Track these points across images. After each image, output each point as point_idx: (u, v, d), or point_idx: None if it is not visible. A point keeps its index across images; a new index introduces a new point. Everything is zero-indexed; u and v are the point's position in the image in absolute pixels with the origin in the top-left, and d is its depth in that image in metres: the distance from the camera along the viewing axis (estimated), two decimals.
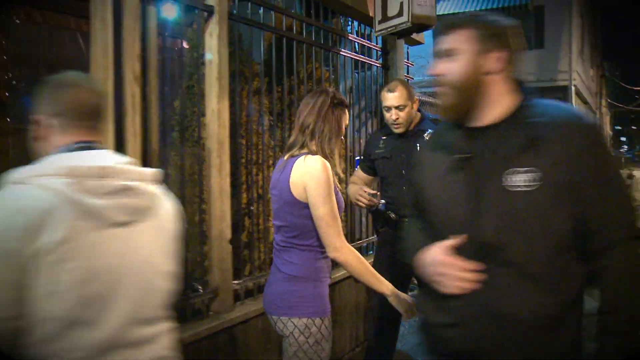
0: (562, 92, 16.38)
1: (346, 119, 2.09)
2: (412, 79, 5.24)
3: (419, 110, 3.16)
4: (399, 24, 3.74)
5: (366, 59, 4.38)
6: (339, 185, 2.03)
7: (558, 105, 1.37)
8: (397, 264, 2.92)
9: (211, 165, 2.78)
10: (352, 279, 3.94)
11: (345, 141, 4.28)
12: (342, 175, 2.10)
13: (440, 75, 1.40)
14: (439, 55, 1.40)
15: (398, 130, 3.01)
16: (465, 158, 1.36)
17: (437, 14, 3.87)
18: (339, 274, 3.81)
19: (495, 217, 1.28)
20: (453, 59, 1.37)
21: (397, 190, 3.07)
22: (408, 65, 5.11)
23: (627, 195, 1.30)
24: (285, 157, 2.06)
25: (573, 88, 16.46)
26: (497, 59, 1.35)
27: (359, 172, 3.39)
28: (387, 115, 3.06)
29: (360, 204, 3.04)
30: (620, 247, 1.26)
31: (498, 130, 1.35)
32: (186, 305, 2.67)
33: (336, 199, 1.96)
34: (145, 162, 2.36)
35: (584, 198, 1.25)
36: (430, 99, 6.38)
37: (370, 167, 3.29)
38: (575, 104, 16.83)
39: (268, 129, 3.64)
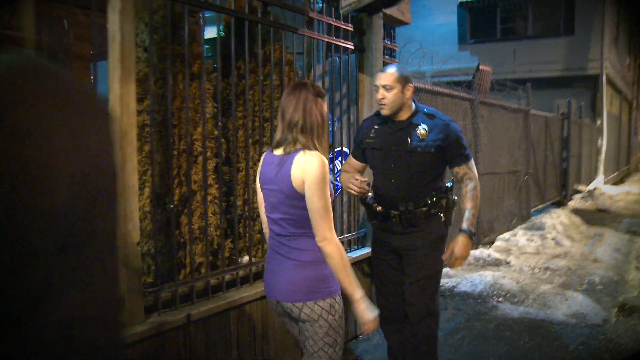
0: (592, 82, 15.53)
1: (326, 107, 2.14)
2: (396, 62, 4.78)
3: (414, 101, 2.98)
4: None
5: (332, 39, 3.96)
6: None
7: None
8: (390, 259, 3.03)
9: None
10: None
11: None
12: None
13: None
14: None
15: (383, 112, 2.88)
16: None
17: None
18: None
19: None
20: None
21: (386, 183, 2.96)
22: (391, 49, 4.66)
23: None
24: (278, 153, 2.13)
25: (604, 77, 15.55)
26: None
27: (350, 159, 3.26)
28: (375, 95, 2.95)
29: (352, 191, 2.93)
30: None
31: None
32: None
33: (331, 192, 2.09)
34: None
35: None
36: (439, 89, 5.91)
37: (362, 154, 3.15)
38: (606, 93, 15.91)
39: (212, 117, 3.28)
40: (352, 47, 4.13)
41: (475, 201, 2.89)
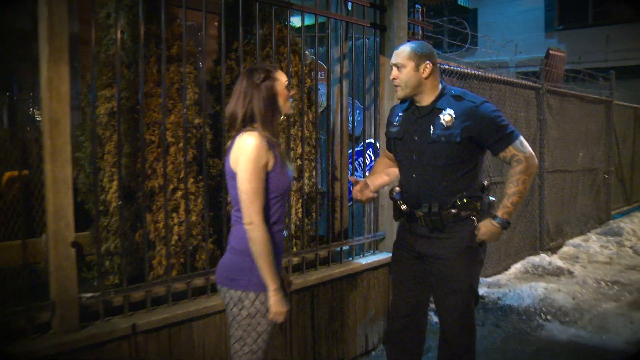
0: None
1: (280, 85, 2.07)
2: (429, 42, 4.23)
3: (442, 82, 2.54)
4: None
5: (341, 17, 3.51)
6: (288, 164, 2.10)
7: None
8: (413, 263, 2.63)
9: (45, 150, 2.17)
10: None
11: (307, 122, 3.46)
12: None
13: None
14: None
15: (397, 94, 2.55)
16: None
17: None
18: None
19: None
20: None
21: (408, 178, 2.58)
22: (423, 27, 4.13)
23: None
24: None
25: None
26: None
27: (383, 154, 2.93)
28: None
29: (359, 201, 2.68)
30: None
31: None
32: (9, 320, 2.15)
33: (279, 178, 2.03)
34: None
35: None
36: (494, 75, 5.28)
37: (390, 147, 2.78)
38: None
39: (193, 103, 2.96)
40: (369, 25, 3.65)
41: (519, 186, 2.39)
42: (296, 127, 3.36)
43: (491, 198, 2.50)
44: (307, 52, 3.51)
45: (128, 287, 2.49)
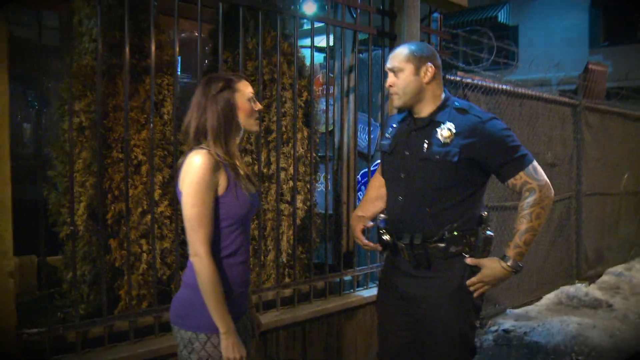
0: None
1: (241, 97, 1.80)
2: (447, 55, 3.89)
3: (445, 92, 2.16)
4: None
5: (341, 23, 3.21)
6: (246, 187, 1.79)
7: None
8: (398, 304, 2.18)
9: None
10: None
11: (305, 138, 3.15)
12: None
13: None
14: None
15: (394, 103, 2.12)
16: None
17: None
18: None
19: None
20: None
21: (392, 201, 2.17)
22: (440, 37, 3.80)
23: None
24: None
25: None
26: None
27: (376, 174, 2.43)
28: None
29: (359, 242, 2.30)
30: None
31: None
32: None
33: (233, 203, 1.76)
34: None
35: None
36: (523, 91, 4.88)
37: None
38: None
39: (174, 118, 2.71)
40: (376, 34, 3.34)
41: (533, 222, 1.98)
42: (290, 144, 3.06)
43: (489, 233, 2.09)
44: (313, 64, 3.21)
45: (82, 322, 2.23)
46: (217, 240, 1.76)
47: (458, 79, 4.10)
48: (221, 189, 1.73)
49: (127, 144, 2.40)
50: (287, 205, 3.07)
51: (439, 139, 2.02)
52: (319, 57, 5.47)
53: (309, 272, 3.07)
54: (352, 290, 3.29)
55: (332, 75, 3.71)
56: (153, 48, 2.48)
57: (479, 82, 4.36)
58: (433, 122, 2.07)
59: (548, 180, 2.03)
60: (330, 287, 3.18)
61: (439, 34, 3.79)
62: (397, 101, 2.11)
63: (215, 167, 1.70)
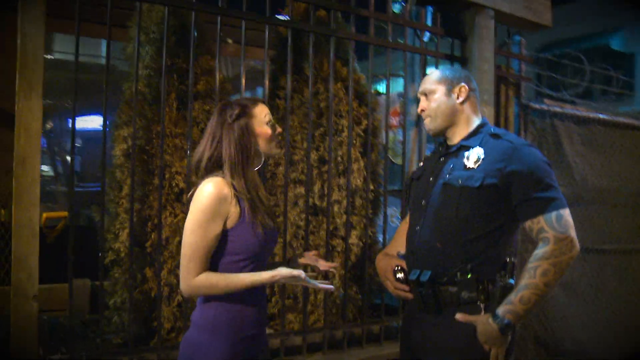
0: None
1: (257, 122, 1.69)
2: (527, 79, 3.55)
3: (483, 118, 1.92)
4: None
5: (412, 48, 3.00)
6: (262, 221, 1.63)
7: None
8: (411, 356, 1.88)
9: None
10: None
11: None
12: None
13: None
14: None
15: (428, 127, 1.91)
16: None
17: None
18: None
19: None
20: None
21: (411, 230, 1.89)
22: (523, 62, 3.47)
23: None
24: None
25: None
26: None
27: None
28: None
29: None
30: None
31: None
32: None
33: (247, 237, 1.61)
34: None
35: None
36: (600, 116, 4.35)
37: None
38: None
39: None
40: (443, 57, 3.10)
41: (537, 278, 1.62)
42: (346, 176, 2.86)
43: (511, 281, 1.72)
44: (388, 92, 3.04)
45: (106, 351, 2.15)
46: None
47: (545, 107, 3.71)
48: (232, 222, 1.59)
49: (161, 170, 2.34)
50: (340, 240, 2.86)
51: (463, 163, 1.78)
52: (399, 86, 5.27)
53: (362, 314, 2.82)
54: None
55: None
56: (191, 75, 2.42)
57: (570, 111, 3.92)
58: (463, 147, 1.83)
59: (573, 236, 1.67)
60: (387, 331, 2.90)
61: (519, 58, 3.46)
62: (429, 124, 1.89)
63: (226, 197, 1.58)
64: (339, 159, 2.89)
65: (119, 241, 2.52)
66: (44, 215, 3.21)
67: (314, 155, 2.87)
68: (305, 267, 1.85)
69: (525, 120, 3.58)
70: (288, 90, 2.62)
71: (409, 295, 1.82)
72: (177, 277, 2.46)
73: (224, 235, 1.59)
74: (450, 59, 3.13)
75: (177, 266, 2.46)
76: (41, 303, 2.82)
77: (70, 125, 2.96)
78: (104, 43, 3.28)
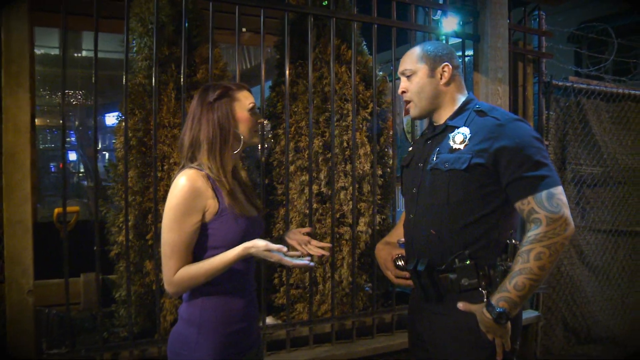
0: None
1: (240, 107, 1.62)
2: (548, 55, 3.37)
3: (469, 94, 1.81)
4: None
5: (417, 27, 2.87)
6: (242, 210, 1.58)
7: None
8: (420, 346, 1.80)
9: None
10: None
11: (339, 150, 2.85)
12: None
13: None
14: None
15: (411, 112, 1.81)
16: None
17: None
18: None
19: None
20: None
21: (406, 219, 1.82)
22: (540, 35, 3.30)
23: None
24: None
25: None
26: None
27: None
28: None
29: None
30: None
31: None
32: None
33: (229, 228, 1.55)
34: None
35: None
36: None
37: None
38: None
39: None
40: (454, 35, 2.96)
41: (531, 262, 1.50)
42: (356, 161, 2.78)
43: (512, 265, 1.59)
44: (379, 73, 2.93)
45: (106, 345, 2.15)
46: None
47: (568, 84, 3.52)
48: (210, 214, 1.54)
49: (155, 161, 2.31)
50: (348, 228, 2.78)
51: (449, 145, 1.67)
52: None
53: (373, 302, 2.74)
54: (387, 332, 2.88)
55: None
56: (183, 68, 2.37)
57: (598, 87, 3.71)
58: (448, 127, 1.73)
59: (567, 214, 1.53)
60: (399, 320, 2.81)
61: (538, 33, 3.28)
62: (413, 110, 1.78)
63: (200, 190, 1.52)
64: (345, 144, 2.81)
65: (123, 234, 2.50)
66: (56, 210, 3.24)
67: (319, 142, 2.79)
68: (289, 249, 1.78)
69: (547, 98, 3.41)
70: (286, 75, 2.54)
71: (411, 283, 1.75)
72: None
73: (204, 229, 1.54)
74: (462, 36, 2.99)
75: None
76: (53, 297, 2.87)
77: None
78: (114, 38, 3.27)
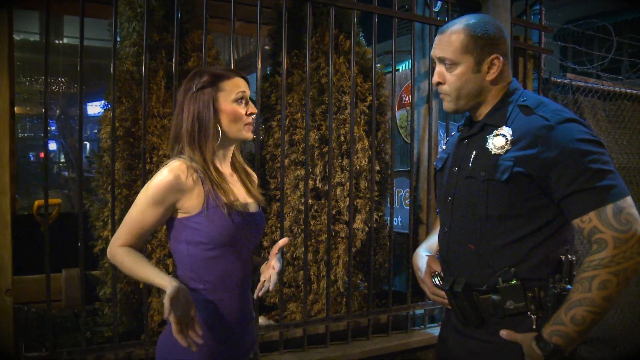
0: None
1: (225, 97, 1.48)
2: (548, 28, 3.30)
3: (514, 81, 1.50)
4: None
5: (418, 17, 2.77)
6: (232, 205, 1.46)
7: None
8: None
9: None
10: None
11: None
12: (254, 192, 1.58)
13: None
14: None
15: (446, 107, 1.51)
16: None
17: None
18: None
19: None
20: None
21: (441, 232, 1.57)
22: (541, 30, 3.22)
23: None
24: None
25: None
26: None
27: None
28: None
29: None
30: None
31: None
32: None
33: (217, 223, 1.44)
34: None
35: None
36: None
37: None
38: None
39: None
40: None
41: (593, 293, 1.24)
42: (354, 156, 2.68)
43: (569, 287, 1.34)
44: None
45: (89, 348, 2.02)
46: (197, 269, 1.46)
47: (567, 81, 3.46)
48: (194, 207, 1.43)
49: (144, 153, 2.18)
50: (344, 225, 2.69)
51: (487, 150, 1.41)
52: None
53: (368, 303, 2.65)
54: (422, 327, 2.81)
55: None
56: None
57: (595, 85, 3.66)
58: (486, 126, 1.45)
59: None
60: (396, 321, 2.73)
61: (539, 28, 3.21)
62: (449, 104, 1.49)
63: (180, 186, 1.42)
64: (342, 138, 2.70)
65: (108, 229, 2.37)
66: (36, 202, 3.09)
67: (315, 135, 2.69)
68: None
69: (546, 95, 3.34)
70: (284, 65, 2.43)
71: (447, 303, 1.49)
72: (166, 266, 2.32)
73: (187, 222, 1.44)
74: (462, 6, 2.89)
75: (168, 255, 2.32)
76: (33, 294, 2.73)
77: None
78: (96, 23, 3.11)
